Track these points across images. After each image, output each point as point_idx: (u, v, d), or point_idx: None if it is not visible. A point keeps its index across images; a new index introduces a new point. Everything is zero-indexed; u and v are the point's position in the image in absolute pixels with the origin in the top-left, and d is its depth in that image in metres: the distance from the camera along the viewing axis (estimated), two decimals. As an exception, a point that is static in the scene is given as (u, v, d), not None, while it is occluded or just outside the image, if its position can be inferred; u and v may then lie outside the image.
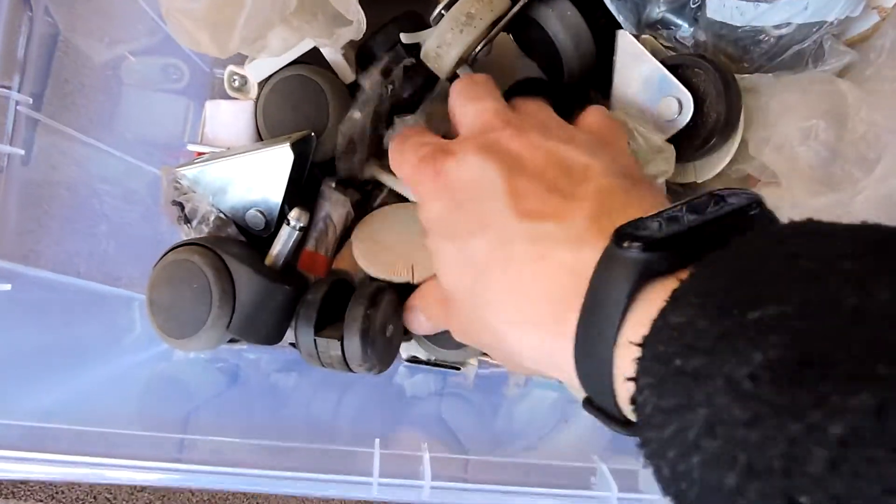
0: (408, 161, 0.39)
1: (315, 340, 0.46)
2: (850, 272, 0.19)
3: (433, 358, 0.52)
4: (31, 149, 0.38)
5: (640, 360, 0.22)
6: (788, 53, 0.42)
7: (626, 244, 0.25)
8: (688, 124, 0.43)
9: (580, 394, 0.28)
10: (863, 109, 0.37)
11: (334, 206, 0.52)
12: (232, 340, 0.54)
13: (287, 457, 0.34)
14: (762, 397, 0.17)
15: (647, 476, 0.37)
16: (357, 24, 0.43)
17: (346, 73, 0.52)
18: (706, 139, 0.44)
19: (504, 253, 0.31)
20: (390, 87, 0.49)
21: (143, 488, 0.62)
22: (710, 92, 0.43)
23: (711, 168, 0.45)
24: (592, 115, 0.39)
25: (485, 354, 0.50)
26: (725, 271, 0.22)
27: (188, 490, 0.61)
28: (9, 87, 0.34)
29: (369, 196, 0.56)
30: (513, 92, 0.52)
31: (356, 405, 0.50)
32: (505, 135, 0.35)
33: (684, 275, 0.23)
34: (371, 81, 0.49)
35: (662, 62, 0.44)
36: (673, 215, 0.26)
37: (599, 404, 0.27)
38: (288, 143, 0.48)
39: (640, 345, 0.22)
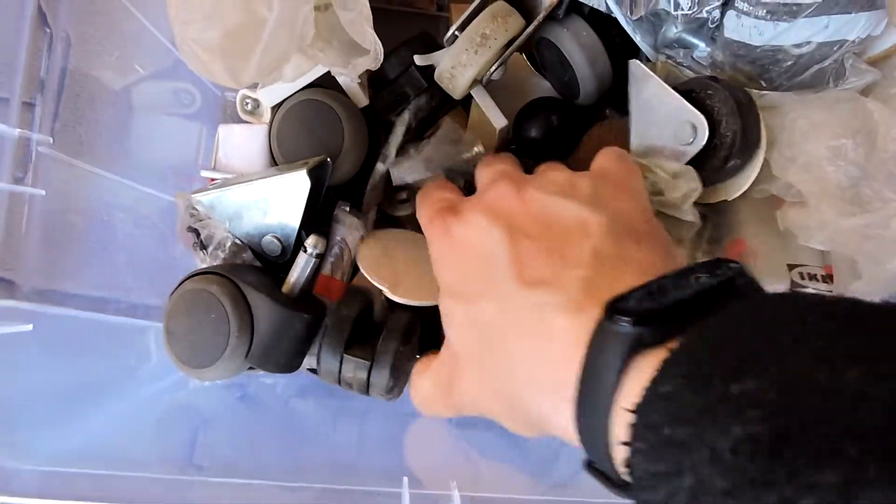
0: (424, 215, 0.41)
1: (343, 358, 0.45)
2: (821, 350, 0.20)
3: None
4: (49, 186, 0.38)
5: (633, 427, 0.23)
6: (809, 72, 0.42)
7: (616, 317, 0.26)
8: (706, 146, 0.43)
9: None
10: (892, 128, 0.36)
11: (349, 231, 0.52)
12: (249, 368, 0.53)
13: (311, 498, 0.34)
14: (740, 469, 0.19)
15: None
16: (374, 53, 0.43)
17: (360, 98, 0.52)
18: (725, 158, 0.43)
19: (509, 318, 0.32)
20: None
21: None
22: (724, 112, 0.43)
23: (737, 188, 0.44)
24: (604, 158, 0.39)
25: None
26: (709, 344, 0.23)
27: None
28: (31, 129, 0.34)
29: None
30: (527, 111, 0.52)
31: (376, 435, 0.49)
32: (506, 193, 0.36)
33: (673, 344, 0.25)
34: (395, 139, 0.49)
35: (675, 88, 0.44)
36: (661, 286, 0.27)
37: (599, 467, 0.28)
38: (305, 169, 0.47)
39: (632, 412, 0.24)
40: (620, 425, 0.25)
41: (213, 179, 0.54)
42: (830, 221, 0.38)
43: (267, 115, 0.54)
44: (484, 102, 0.50)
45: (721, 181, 0.45)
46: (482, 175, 0.41)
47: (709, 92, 0.44)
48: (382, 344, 0.44)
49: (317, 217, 0.52)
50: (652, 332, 0.25)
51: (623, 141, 0.49)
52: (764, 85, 0.45)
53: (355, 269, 0.54)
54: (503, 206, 0.36)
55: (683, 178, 0.42)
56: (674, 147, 0.44)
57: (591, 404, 0.27)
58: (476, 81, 0.49)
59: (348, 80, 0.51)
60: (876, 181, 0.37)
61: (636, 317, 0.26)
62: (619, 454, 0.25)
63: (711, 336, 0.24)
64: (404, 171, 0.52)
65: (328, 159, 0.50)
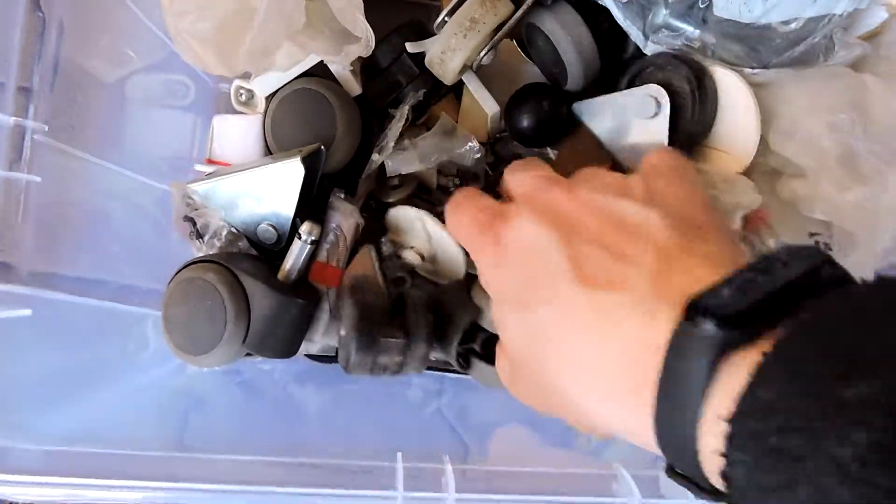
0: (465, 227, 0.38)
1: (380, 343, 0.45)
2: None
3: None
4: (45, 174, 0.39)
5: (732, 437, 0.22)
6: (798, 49, 0.42)
7: (699, 319, 0.24)
8: (686, 118, 0.44)
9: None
10: (887, 100, 0.37)
11: (344, 217, 0.52)
12: (246, 354, 0.54)
13: (306, 473, 0.34)
14: (870, 480, 0.17)
15: (668, 481, 0.37)
16: (365, 41, 0.43)
17: (353, 86, 0.52)
18: (692, 114, 0.45)
19: (570, 322, 0.30)
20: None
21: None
22: (679, 75, 0.45)
23: (744, 156, 0.44)
24: (655, 157, 0.37)
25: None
26: (811, 342, 0.21)
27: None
28: (25, 116, 0.34)
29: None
30: (518, 97, 0.52)
31: (373, 416, 0.50)
32: (557, 195, 0.34)
33: (766, 346, 0.22)
34: (394, 132, 0.51)
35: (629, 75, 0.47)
36: (745, 281, 0.24)
37: (684, 473, 0.27)
38: (298, 157, 0.48)
39: (729, 420, 0.22)
40: (712, 434, 0.23)
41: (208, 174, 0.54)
42: (829, 195, 0.39)
43: (261, 106, 0.55)
44: (475, 89, 0.51)
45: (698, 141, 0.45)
46: (519, 181, 0.38)
47: (658, 63, 0.46)
48: (414, 317, 0.45)
49: (311, 205, 0.52)
50: (740, 332, 0.23)
51: (597, 151, 0.50)
52: (755, 65, 0.46)
53: (351, 256, 0.55)
54: (556, 208, 0.34)
55: (736, 186, 0.42)
56: (646, 127, 0.44)
57: (676, 413, 0.25)
58: (466, 67, 0.49)
59: (340, 68, 0.51)
60: (872, 154, 0.38)
61: (721, 317, 0.23)
62: (713, 464, 0.23)
63: (811, 333, 0.22)
64: (399, 163, 0.53)
65: (322, 147, 0.50)
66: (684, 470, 0.26)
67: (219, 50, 0.42)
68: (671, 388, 0.25)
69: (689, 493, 0.27)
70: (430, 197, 0.56)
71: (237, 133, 0.54)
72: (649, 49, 0.47)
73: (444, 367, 0.56)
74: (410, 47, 0.50)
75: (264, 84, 0.52)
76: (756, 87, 0.44)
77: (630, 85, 0.48)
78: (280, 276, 0.50)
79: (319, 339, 0.55)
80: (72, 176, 0.45)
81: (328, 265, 0.53)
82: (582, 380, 0.30)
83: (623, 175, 0.36)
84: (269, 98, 0.53)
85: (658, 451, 0.27)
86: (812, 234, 0.46)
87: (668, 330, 0.25)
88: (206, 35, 0.40)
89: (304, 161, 0.48)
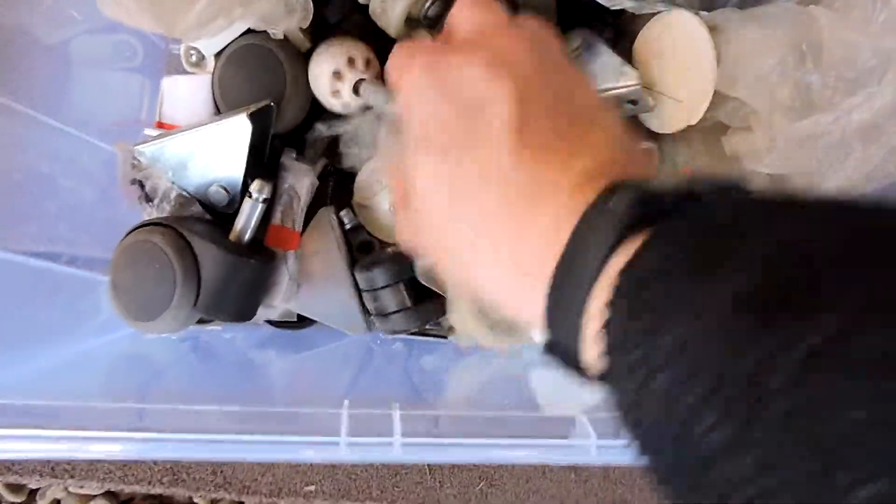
0: (399, 58, 0.34)
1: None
2: (818, 219, 0.20)
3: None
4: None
5: (617, 287, 0.23)
6: (753, -12, 0.42)
7: (615, 197, 0.25)
8: None
9: (535, 336, 0.28)
10: (838, 31, 0.36)
11: (297, 177, 0.51)
12: (203, 322, 0.52)
13: (251, 421, 0.33)
14: (738, 318, 0.18)
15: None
16: (303, 12, 0.43)
17: (301, 42, 0.51)
18: None
19: (494, 184, 0.29)
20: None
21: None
22: None
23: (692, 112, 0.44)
24: None
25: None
26: (701, 222, 0.23)
27: (150, 460, 0.60)
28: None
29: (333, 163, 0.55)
30: None
31: (328, 372, 0.49)
32: (519, 50, 0.31)
33: (665, 223, 0.24)
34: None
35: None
36: (672, 184, 0.26)
37: (562, 345, 0.27)
38: (245, 114, 0.47)
39: (619, 272, 0.23)
40: (600, 296, 0.24)
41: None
42: (783, 131, 0.38)
43: (212, 66, 0.53)
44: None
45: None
46: (468, 17, 0.34)
47: None
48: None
49: (264, 165, 0.51)
50: (648, 213, 0.24)
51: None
52: (707, 8, 0.45)
53: (308, 217, 0.54)
54: (513, 62, 0.31)
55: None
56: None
57: (572, 279, 0.26)
58: (414, 21, 0.48)
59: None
60: (827, 87, 0.37)
61: (636, 199, 0.25)
62: (593, 326, 0.24)
63: (704, 215, 0.23)
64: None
65: (272, 104, 0.49)
66: (563, 340, 0.27)
67: (154, 7, 0.41)
68: (575, 255, 0.26)
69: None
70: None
71: (187, 94, 0.53)
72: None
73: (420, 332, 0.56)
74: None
75: (211, 43, 0.51)
76: (707, 29, 0.43)
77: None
78: (231, 236, 0.49)
79: (280, 305, 0.54)
80: (7, 134, 0.43)
81: (283, 227, 0.52)
82: (489, 245, 0.29)
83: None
84: (218, 56, 0.51)
85: (540, 324, 0.27)
86: None
87: (585, 208, 0.26)
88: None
89: (252, 118, 0.47)
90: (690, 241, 0.22)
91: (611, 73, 0.46)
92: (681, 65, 0.45)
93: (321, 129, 0.51)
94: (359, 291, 0.53)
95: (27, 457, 0.32)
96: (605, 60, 0.46)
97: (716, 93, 0.44)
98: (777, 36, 0.39)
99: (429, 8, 0.46)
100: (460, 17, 0.34)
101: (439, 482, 0.65)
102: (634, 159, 0.31)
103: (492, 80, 0.30)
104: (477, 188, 0.30)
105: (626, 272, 0.23)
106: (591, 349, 0.25)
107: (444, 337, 0.56)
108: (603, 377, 0.24)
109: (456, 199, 0.30)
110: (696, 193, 0.25)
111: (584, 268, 0.25)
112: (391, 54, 0.35)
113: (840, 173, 0.39)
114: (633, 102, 0.48)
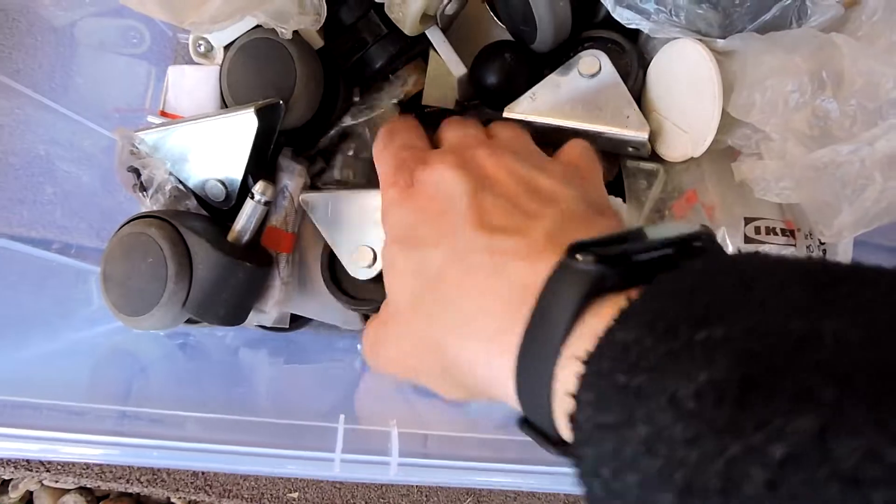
0: (386, 161, 0.39)
1: None
2: (795, 300, 0.19)
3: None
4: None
5: (583, 377, 0.22)
6: (770, 13, 0.41)
7: (578, 256, 0.25)
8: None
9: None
10: (861, 59, 0.35)
11: (291, 177, 0.50)
12: (193, 322, 0.51)
13: (242, 432, 0.32)
14: (704, 416, 0.17)
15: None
16: (315, 15, 0.42)
17: (315, 39, 0.50)
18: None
19: (459, 265, 0.31)
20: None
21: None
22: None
23: (702, 141, 0.43)
24: (572, 148, 0.39)
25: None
26: (675, 293, 0.22)
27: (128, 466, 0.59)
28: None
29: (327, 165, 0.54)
30: (484, 53, 0.50)
31: (323, 382, 0.48)
32: (480, 153, 0.35)
33: (634, 294, 0.23)
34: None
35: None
36: (627, 235, 0.26)
37: (536, 423, 0.27)
38: (252, 109, 0.45)
39: (584, 361, 0.22)
40: (568, 376, 0.23)
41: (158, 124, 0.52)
42: (798, 159, 0.37)
43: (220, 57, 0.52)
44: (440, 46, 0.48)
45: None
46: (451, 134, 0.40)
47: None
48: None
49: (266, 164, 0.50)
50: (613, 275, 0.24)
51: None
52: (725, 33, 0.44)
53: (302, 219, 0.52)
54: (475, 163, 0.35)
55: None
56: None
57: (537, 352, 0.25)
58: (430, 18, 0.47)
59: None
60: (846, 116, 0.36)
61: (599, 256, 0.24)
62: (562, 407, 0.24)
63: (678, 285, 0.22)
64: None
65: (280, 102, 0.48)
66: (536, 418, 0.26)
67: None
68: (538, 325, 0.25)
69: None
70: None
71: (192, 85, 0.51)
72: (618, 14, 0.45)
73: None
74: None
75: (221, 34, 0.50)
76: (723, 54, 0.42)
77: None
78: (230, 237, 0.47)
79: (272, 310, 0.52)
80: (14, 121, 0.42)
81: (277, 229, 0.51)
82: (456, 322, 0.30)
83: (545, 156, 0.38)
84: (228, 48, 0.50)
85: (514, 402, 0.27)
86: (750, 220, 0.45)
87: (549, 269, 0.26)
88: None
89: (259, 114, 0.45)
90: (658, 322, 0.21)
91: (619, 116, 0.45)
92: (687, 96, 0.44)
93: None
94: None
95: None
96: (618, 99, 0.46)
97: (728, 117, 0.43)
98: (796, 62, 0.39)
99: (446, 6, 0.45)
100: (445, 130, 0.40)
101: (426, 496, 0.64)
102: (597, 226, 0.31)
103: (454, 180, 0.33)
104: (444, 272, 0.31)
105: (591, 361, 0.22)
106: (563, 427, 0.25)
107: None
108: (574, 465, 0.23)
109: (427, 289, 0.32)
110: (664, 257, 0.25)
111: (548, 343, 0.25)
112: (383, 136, 0.41)
113: (856, 205, 0.38)
114: (634, 148, 0.47)
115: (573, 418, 0.22)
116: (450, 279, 0.31)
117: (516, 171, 0.34)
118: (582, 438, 0.22)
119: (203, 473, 0.59)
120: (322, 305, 0.52)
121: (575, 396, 0.22)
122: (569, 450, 0.24)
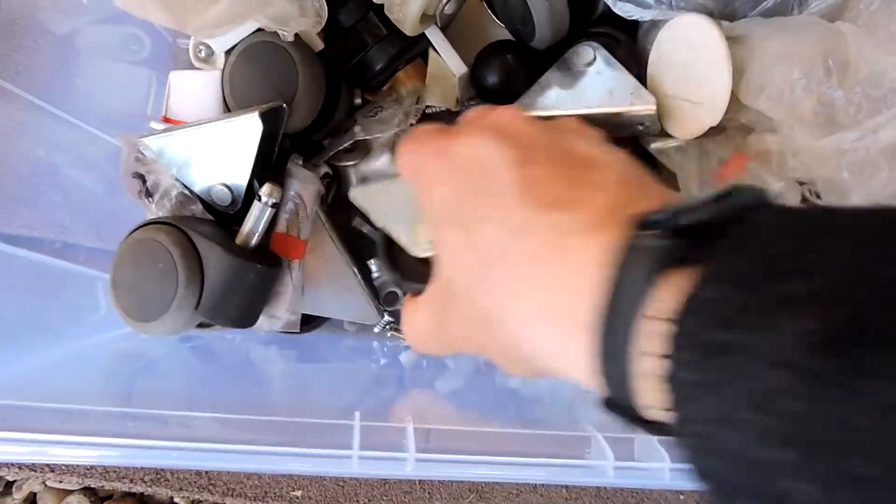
0: (410, 147, 0.36)
1: None
2: (877, 246, 0.19)
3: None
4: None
5: (676, 337, 0.22)
6: (772, 0, 0.41)
7: (645, 232, 0.24)
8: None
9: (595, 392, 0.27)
10: (865, 48, 0.35)
11: (303, 185, 0.50)
12: (203, 326, 0.51)
13: (258, 431, 0.32)
14: (801, 366, 0.17)
15: (642, 445, 0.35)
16: (315, 17, 0.42)
17: (315, 42, 0.50)
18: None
19: (517, 243, 0.29)
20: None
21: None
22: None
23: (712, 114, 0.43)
24: (569, 120, 0.38)
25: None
26: (751, 250, 0.22)
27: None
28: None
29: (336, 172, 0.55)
30: (483, 53, 0.51)
31: (337, 379, 0.48)
32: (516, 121, 0.33)
33: (709, 254, 0.23)
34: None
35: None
36: (692, 205, 0.25)
37: (619, 401, 0.26)
38: (257, 113, 0.46)
39: (674, 321, 0.22)
40: (654, 341, 0.23)
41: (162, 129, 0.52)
42: (804, 146, 0.37)
43: (221, 62, 0.52)
44: (442, 48, 0.49)
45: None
46: (470, 115, 0.37)
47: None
48: None
49: (271, 168, 0.50)
50: (685, 244, 0.23)
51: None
52: (730, 17, 0.45)
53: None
54: (512, 129, 0.33)
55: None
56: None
57: (618, 324, 0.24)
58: (429, 17, 0.47)
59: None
60: (851, 104, 0.37)
61: (666, 229, 0.24)
62: (652, 375, 0.23)
63: (753, 242, 0.22)
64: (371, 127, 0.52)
65: (284, 105, 0.48)
66: (620, 394, 0.26)
67: (170, 3, 0.41)
68: (614, 300, 0.25)
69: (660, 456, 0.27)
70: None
71: (194, 90, 0.52)
72: (619, 8, 0.45)
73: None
74: None
75: (222, 38, 0.50)
76: (729, 39, 0.43)
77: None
78: (238, 240, 0.48)
79: (283, 315, 0.52)
80: (13, 123, 0.42)
81: (289, 235, 0.51)
82: (521, 303, 0.29)
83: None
84: (229, 53, 0.50)
85: (592, 381, 0.26)
86: (801, 183, 0.45)
87: (616, 243, 0.25)
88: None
89: (263, 117, 0.46)
90: (748, 276, 0.21)
91: (625, 95, 0.46)
92: (696, 67, 0.44)
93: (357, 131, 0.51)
94: (363, 280, 0.54)
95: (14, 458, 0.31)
96: (619, 80, 0.46)
97: (738, 102, 0.43)
98: (803, 49, 0.39)
99: (445, 5, 0.45)
100: (465, 117, 0.37)
101: (429, 493, 0.64)
102: (651, 191, 0.30)
103: (495, 150, 0.31)
104: (504, 251, 0.30)
105: (682, 322, 0.22)
106: (649, 398, 0.24)
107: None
108: (670, 430, 0.23)
109: (485, 270, 0.30)
110: (734, 215, 0.24)
111: (629, 315, 0.24)
112: (399, 148, 0.37)
113: (865, 191, 0.39)
114: (644, 124, 0.48)
115: (668, 379, 0.22)
116: (509, 259, 0.29)
117: (556, 137, 0.33)
118: (680, 401, 0.21)
119: (206, 472, 0.60)
120: (334, 303, 0.53)
121: (668, 357, 0.22)
122: (656, 425, 0.25)
